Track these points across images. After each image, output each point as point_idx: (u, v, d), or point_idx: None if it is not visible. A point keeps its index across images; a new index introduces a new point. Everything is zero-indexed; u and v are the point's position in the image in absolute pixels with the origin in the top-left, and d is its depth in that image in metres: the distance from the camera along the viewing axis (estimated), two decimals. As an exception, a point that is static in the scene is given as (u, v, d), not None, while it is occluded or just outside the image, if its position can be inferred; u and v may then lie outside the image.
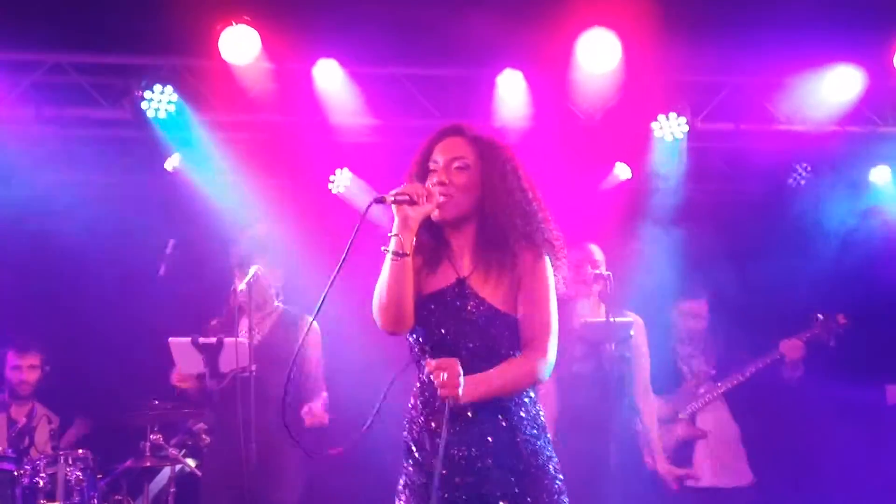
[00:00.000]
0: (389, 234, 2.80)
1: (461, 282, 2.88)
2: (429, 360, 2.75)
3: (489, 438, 2.81)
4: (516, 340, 2.86)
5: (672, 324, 5.59)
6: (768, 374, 5.45)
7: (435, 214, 2.86)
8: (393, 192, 2.80)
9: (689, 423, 5.47)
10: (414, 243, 2.82)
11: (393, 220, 2.81)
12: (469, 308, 2.85)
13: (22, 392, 5.95)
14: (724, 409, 5.52)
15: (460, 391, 2.65)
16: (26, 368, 5.96)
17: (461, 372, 2.67)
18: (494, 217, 2.87)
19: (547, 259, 2.91)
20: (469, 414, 2.80)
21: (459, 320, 2.84)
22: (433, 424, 2.83)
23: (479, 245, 2.90)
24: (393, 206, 2.79)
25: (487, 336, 2.83)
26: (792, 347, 5.41)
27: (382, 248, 2.81)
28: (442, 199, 2.85)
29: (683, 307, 5.59)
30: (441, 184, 2.87)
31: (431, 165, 2.93)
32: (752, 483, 5.46)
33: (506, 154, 2.96)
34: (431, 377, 2.71)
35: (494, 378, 2.78)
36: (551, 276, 2.92)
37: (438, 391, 2.68)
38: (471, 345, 2.82)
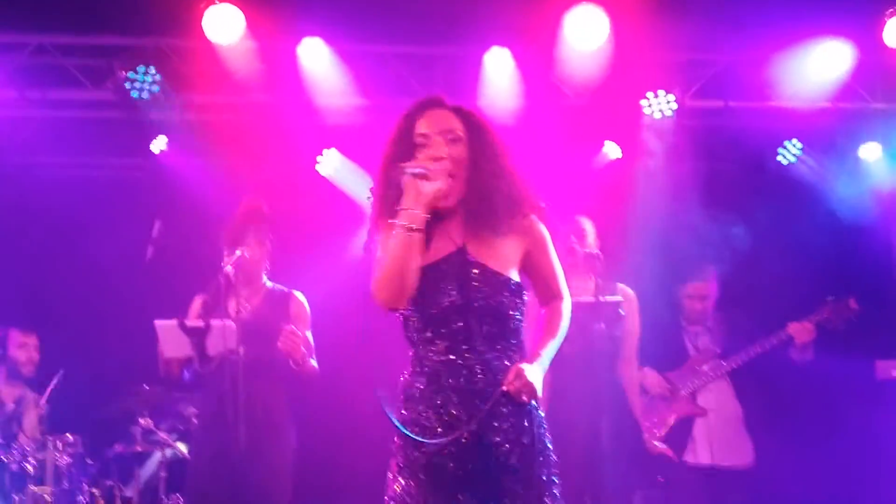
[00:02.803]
0: (400, 209, 2.76)
1: (461, 250, 2.87)
2: (508, 382, 2.79)
3: (501, 412, 2.82)
4: (518, 302, 2.88)
5: (679, 304, 5.56)
6: (774, 355, 5.40)
7: (446, 201, 2.83)
8: (408, 165, 2.78)
9: (689, 400, 5.42)
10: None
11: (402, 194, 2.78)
12: (472, 274, 2.85)
13: (26, 372, 5.89)
14: (727, 388, 5.47)
15: (538, 389, 2.81)
16: (32, 347, 5.92)
17: (529, 380, 2.78)
18: (485, 186, 2.86)
19: (538, 220, 2.99)
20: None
21: (465, 287, 2.83)
22: (439, 401, 2.81)
23: (471, 214, 2.88)
24: (406, 181, 2.77)
25: (493, 300, 2.84)
26: (801, 330, 5.30)
27: (391, 220, 2.78)
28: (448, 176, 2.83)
29: (688, 290, 5.54)
30: (438, 158, 2.83)
31: (419, 140, 2.88)
32: (752, 463, 5.41)
33: (486, 122, 2.97)
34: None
35: (546, 343, 2.93)
36: (548, 234, 3.00)
37: (522, 399, 2.80)
38: (477, 309, 2.82)
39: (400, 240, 2.76)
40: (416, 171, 2.77)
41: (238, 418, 4.40)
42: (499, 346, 2.85)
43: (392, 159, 2.88)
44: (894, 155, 6.69)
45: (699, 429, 5.37)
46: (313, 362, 4.68)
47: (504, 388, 2.79)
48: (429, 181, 2.78)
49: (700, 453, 5.33)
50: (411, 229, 2.75)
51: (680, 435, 5.34)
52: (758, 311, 5.66)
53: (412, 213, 2.76)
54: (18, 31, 5.82)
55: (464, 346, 2.82)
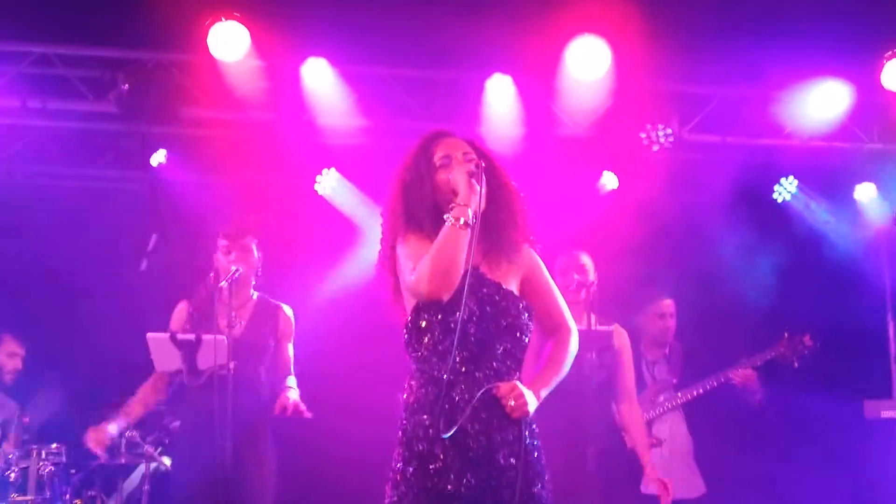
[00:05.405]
0: (461, 204, 2.86)
1: (475, 269, 2.94)
2: (496, 386, 2.84)
3: (504, 431, 2.86)
4: (529, 325, 2.97)
5: (641, 329, 5.58)
6: (727, 391, 5.44)
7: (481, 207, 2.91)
8: (469, 163, 2.93)
9: (645, 430, 5.42)
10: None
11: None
12: (486, 292, 2.92)
13: (7, 380, 5.87)
14: (680, 420, 5.50)
15: (529, 409, 2.85)
16: (20, 358, 5.90)
17: (524, 392, 2.84)
18: (498, 212, 2.98)
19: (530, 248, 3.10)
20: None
21: (483, 303, 2.91)
22: (449, 411, 2.83)
23: (484, 237, 2.96)
24: (460, 178, 2.89)
25: (508, 315, 2.92)
26: (742, 377, 5.41)
27: (448, 216, 2.85)
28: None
29: (654, 308, 5.59)
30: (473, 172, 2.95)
31: (442, 161, 3.00)
32: (701, 495, 5.41)
33: (493, 153, 3.11)
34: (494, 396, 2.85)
35: (548, 375, 2.98)
36: (542, 261, 3.12)
37: (511, 413, 2.84)
38: (494, 325, 2.90)
39: (452, 233, 2.84)
40: (475, 167, 2.89)
41: (225, 433, 4.39)
42: (509, 363, 2.92)
43: (414, 180, 3.00)
44: (889, 195, 6.74)
45: (653, 459, 5.36)
46: (290, 378, 4.70)
47: (493, 391, 2.83)
48: (479, 184, 2.89)
49: (650, 484, 5.30)
50: (466, 224, 2.84)
51: (634, 464, 5.30)
52: (741, 346, 5.67)
53: (466, 209, 2.84)
54: (21, 40, 5.83)
55: (480, 360, 2.87)
